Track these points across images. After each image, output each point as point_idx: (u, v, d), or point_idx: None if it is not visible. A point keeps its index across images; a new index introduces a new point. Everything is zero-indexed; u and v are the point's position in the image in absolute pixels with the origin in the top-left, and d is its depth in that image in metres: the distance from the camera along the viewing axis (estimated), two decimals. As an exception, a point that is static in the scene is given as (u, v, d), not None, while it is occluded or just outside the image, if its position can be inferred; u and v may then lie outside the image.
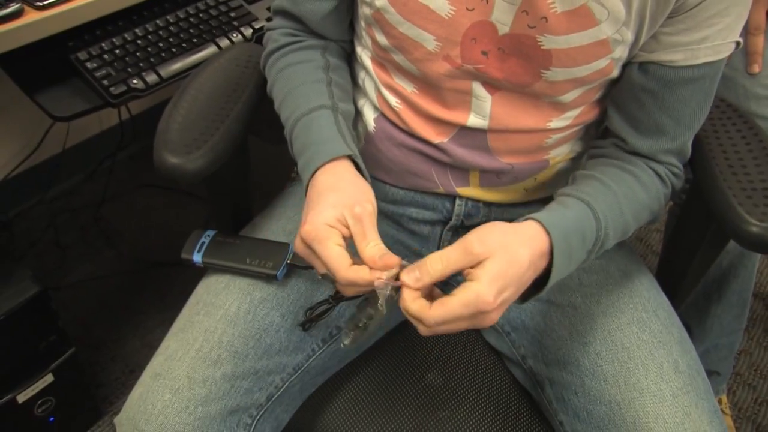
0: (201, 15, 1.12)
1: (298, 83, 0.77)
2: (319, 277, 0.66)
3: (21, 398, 1.11)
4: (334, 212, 0.64)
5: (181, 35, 1.09)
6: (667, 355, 0.73)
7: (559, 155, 0.81)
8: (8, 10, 0.91)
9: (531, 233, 0.64)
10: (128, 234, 1.74)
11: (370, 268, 0.62)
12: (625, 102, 0.75)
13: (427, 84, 0.75)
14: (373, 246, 0.63)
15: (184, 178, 0.72)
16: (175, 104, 0.78)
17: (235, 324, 0.74)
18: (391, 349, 0.87)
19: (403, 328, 0.89)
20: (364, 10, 0.74)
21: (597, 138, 0.83)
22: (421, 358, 0.85)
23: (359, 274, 0.61)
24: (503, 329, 0.84)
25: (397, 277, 0.61)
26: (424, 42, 0.70)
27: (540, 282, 0.65)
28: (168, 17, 1.10)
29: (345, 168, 0.69)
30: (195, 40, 1.09)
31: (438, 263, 0.60)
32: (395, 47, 0.73)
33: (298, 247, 0.65)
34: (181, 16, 1.11)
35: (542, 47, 0.67)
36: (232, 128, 0.78)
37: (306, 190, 0.69)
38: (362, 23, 0.77)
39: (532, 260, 0.62)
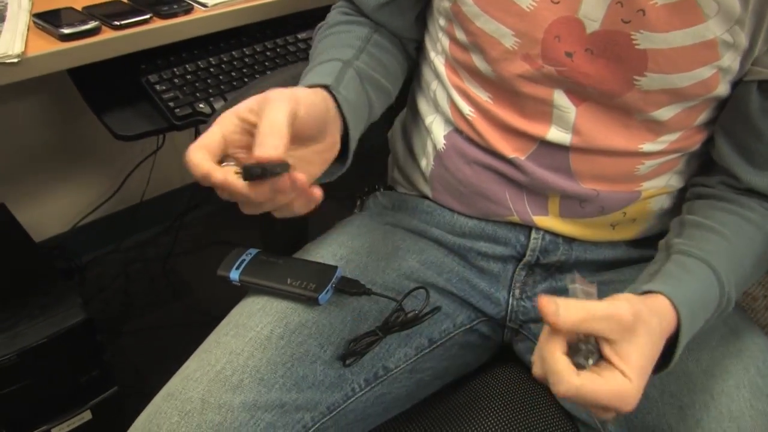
0: (278, 50, 1.10)
1: (329, 46, 0.71)
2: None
3: (55, 433, 1.05)
4: (234, 120, 0.53)
5: (256, 67, 1.06)
6: (789, 431, 0.58)
7: (653, 188, 0.70)
8: (86, 27, 0.92)
9: (664, 312, 0.54)
10: (196, 288, 1.71)
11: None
12: (739, 129, 0.64)
13: (504, 90, 0.66)
14: (274, 144, 0.49)
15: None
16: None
17: (265, 348, 0.65)
18: (448, 405, 0.75)
19: (463, 381, 0.77)
20: (443, 4, 0.68)
21: (700, 173, 0.71)
22: (483, 418, 0.72)
23: (202, 161, 0.50)
24: (581, 388, 0.70)
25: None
26: (502, 38, 0.62)
27: None
28: (245, 50, 1.08)
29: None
30: (269, 72, 1.06)
31: (580, 311, 0.49)
32: (473, 44, 0.66)
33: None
34: (258, 49, 1.09)
35: (637, 47, 0.58)
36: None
37: None
38: (441, 22, 0.71)
39: (665, 330, 0.54)
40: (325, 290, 0.67)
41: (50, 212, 1.60)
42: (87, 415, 1.08)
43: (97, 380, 1.08)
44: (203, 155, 0.51)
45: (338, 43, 0.71)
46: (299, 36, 1.14)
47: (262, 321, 0.67)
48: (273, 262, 0.72)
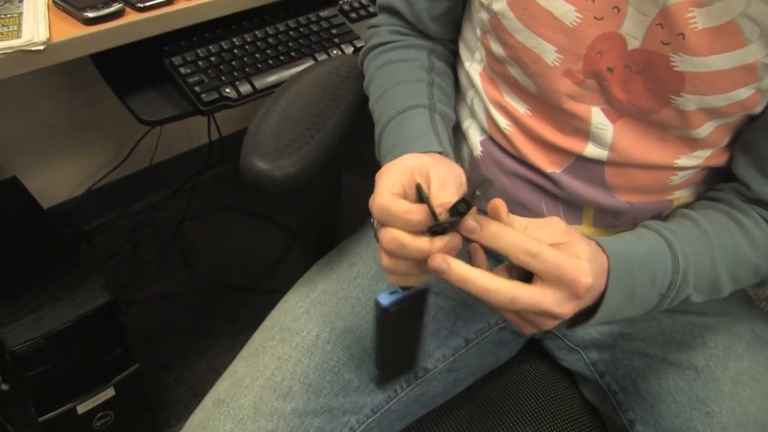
0: (301, 30, 1.08)
1: (397, 81, 0.71)
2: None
3: (81, 409, 1.07)
4: (406, 174, 0.55)
5: (279, 48, 1.04)
6: (819, 441, 0.61)
7: (684, 196, 0.70)
8: (110, 10, 0.89)
9: (594, 247, 0.55)
10: (205, 255, 1.71)
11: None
12: (755, 139, 0.64)
13: (543, 104, 0.66)
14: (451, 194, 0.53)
15: (270, 186, 0.65)
16: (269, 108, 0.72)
17: (312, 354, 0.66)
18: (480, 400, 0.77)
19: (494, 376, 0.79)
20: (480, 16, 0.67)
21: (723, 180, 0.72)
22: (511, 412, 0.75)
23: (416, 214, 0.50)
24: (610, 389, 0.73)
25: None
26: (543, 53, 0.62)
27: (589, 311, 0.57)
28: (267, 29, 1.06)
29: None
30: (293, 54, 1.04)
31: (521, 221, 0.52)
32: (512, 58, 0.65)
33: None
34: (281, 29, 1.07)
35: (675, 68, 0.57)
36: (328, 138, 0.71)
37: None
38: (477, 32, 0.70)
39: (600, 271, 0.54)
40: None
41: (60, 178, 1.58)
42: (110, 392, 1.10)
43: (120, 358, 1.10)
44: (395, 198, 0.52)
45: (407, 75, 0.71)
46: (321, 14, 1.12)
47: (307, 325, 0.68)
48: (420, 310, 0.59)
